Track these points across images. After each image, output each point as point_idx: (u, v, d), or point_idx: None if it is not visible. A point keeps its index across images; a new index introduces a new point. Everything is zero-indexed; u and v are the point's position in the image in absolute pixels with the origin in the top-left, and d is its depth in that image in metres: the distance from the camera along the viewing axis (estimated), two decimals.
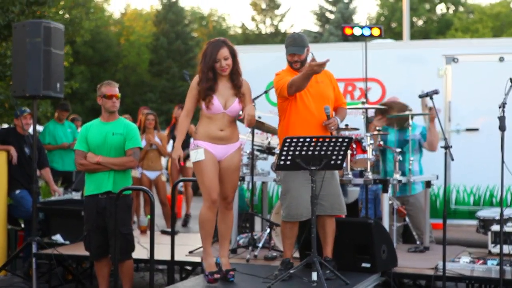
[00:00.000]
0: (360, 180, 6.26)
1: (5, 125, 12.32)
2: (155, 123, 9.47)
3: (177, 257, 6.15)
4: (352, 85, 8.94)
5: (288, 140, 4.86)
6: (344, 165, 5.87)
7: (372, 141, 6.35)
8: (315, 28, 35.02)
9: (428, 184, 6.94)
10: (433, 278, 5.58)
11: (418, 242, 6.96)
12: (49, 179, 8.18)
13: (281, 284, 4.98)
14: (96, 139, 5.91)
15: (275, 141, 6.91)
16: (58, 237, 7.34)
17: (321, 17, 34.92)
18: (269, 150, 6.93)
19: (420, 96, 6.12)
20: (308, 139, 4.87)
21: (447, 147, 5.45)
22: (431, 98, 5.83)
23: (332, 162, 5.00)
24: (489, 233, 6.53)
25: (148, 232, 6.40)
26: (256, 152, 6.87)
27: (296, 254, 5.81)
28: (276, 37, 36.02)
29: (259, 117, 6.84)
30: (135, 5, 67.53)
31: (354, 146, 6.33)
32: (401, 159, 6.71)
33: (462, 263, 5.83)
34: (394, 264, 5.76)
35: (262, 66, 8.77)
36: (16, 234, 7.82)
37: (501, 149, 5.19)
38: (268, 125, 6.90)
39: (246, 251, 6.44)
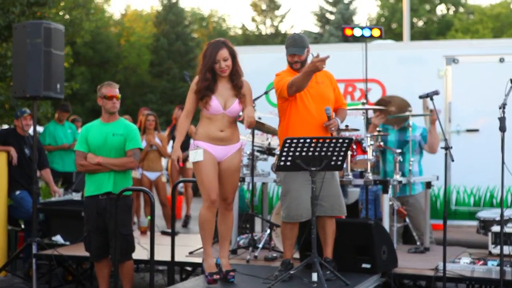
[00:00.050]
0: (360, 181, 6.25)
1: (5, 126, 12.31)
2: (155, 124, 9.48)
3: (177, 258, 6.14)
4: (352, 86, 8.95)
5: (288, 141, 4.86)
6: (344, 166, 5.87)
7: (372, 142, 6.35)
8: (316, 29, 35.03)
9: (428, 185, 6.94)
10: (434, 279, 5.57)
11: (418, 243, 6.95)
12: (49, 180, 8.18)
13: (281, 284, 4.98)
14: (96, 140, 5.91)
15: (275, 142, 6.91)
16: (58, 238, 7.34)
17: (321, 18, 34.92)
18: (269, 151, 6.93)
19: (421, 97, 6.11)
20: (308, 140, 4.87)
21: (447, 148, 5.45)
22: (432, 99, 5.83)
23: (332, 163, 5.00)
24: (490, 234, 6.53)
25: (148, 233, 6.41)
26: (256, 153, 6.87)
27: (296, 255, 5.81)
28: (276, 38, 36.02)
29: (259, 118, 6.85)
30: (136, 6, 67.52)
31: (354, 147, 6.33)
32: (401, 159, 6.71)
33: (462, 264, 5.83)
34: (394, 265, 5.76)
35: (262, 67, 8.76)
36: (16, 235, 7.83)
37: (502, 150, 5.19)
38: (268, 126, 6.90)
39: (246, 252, 6.44)
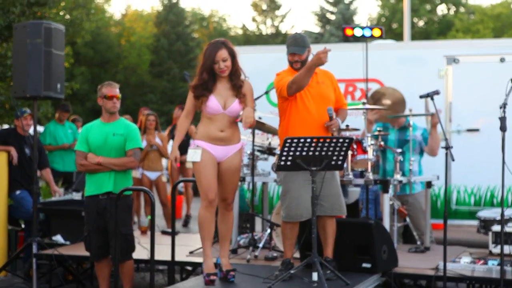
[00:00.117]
0: (360, 181, 6.25)
1: (6, 126, 12.31)
2: (155, 123, 9.48)
3: (177, 258, 6.14)
4: (353, 85, 8.95)
5: (289, 141, 4.86)
6: (345, 165, 5.87)
7: (373, 142, 6.35)
8: (316, 29, 35.01)
9: (428, 184, 6.93)
10: (434, 278, 5.57)
11: (418, 243, 6.95)
12: (50, 180, 8.19)
13: (282, 284, 4.98)
14: (96, 140, 5.91)
15: (275, 141, 6.91)
16: (58, 238, 7.34)
17: (322, 18, 34.90)
18: (269, 151, 6.93)
19: (421, 97, 6.11)
20: (308, 140, 4.87)
21: (448, 147, 5.45)
22: (432, 99, 5.82)
23: (333, 162, 5.00)
24: (490, 233, 6.53)
25: (149, 233, 6.41)
26: (256, 153, 6.87)
27: (297, 255, 5.81)
28: (276, 38, 36.00)
29: (260, 118, 6.85)
30: (136, 6, 67.49)
31: (354, 146, 6.33)
32: (401, 159, 6.70)
33: (462, 264, 5.83)
34: (395, 264, 5.76)
35: (262, 67, 8.76)
36: (16, 235, 7.83)
37: (502, 149, 5.19)
38: (269, 125, 6.90)
39: (247, 252, 6.44)
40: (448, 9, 38.12)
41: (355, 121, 7.73)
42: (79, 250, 6.58)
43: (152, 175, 9.43)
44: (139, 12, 42.62)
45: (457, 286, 6.33)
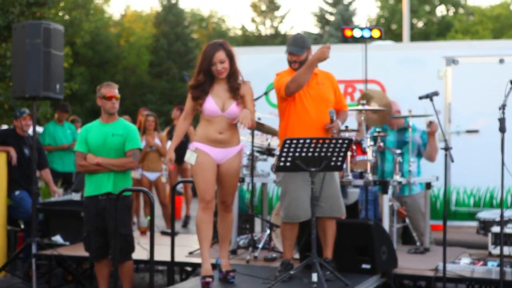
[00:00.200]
0: (360, 182, 6.25)
1: (5, 126, 12.31)
2: (155, 124, 9.48)
3: (177, 258, 6.14)
4: (352, 86, 8.95)
5: (288, 142, 4.86)
6: (344, 166, 5.87)
7: (372, 143, 6.34)
8: (315, 29, 35.02)
9: (428, 185, 6.93)
10: (433, 279, 5.58)
11: (418, 243, 6.95)
12: (49, 180, 8.18)
13: (281, 285, 4.98)
14: (96, 140, 5.91)
15: (275, 142, 6.91)
16: (58, 238, 7.34)
17: (321, 18, 34.91)
18: (269, 152, 6.93)
19: (421, 98, 6.11)
20: (308, 141, 4.86)
21: (447, 148, 5.45)
22: (431, 100, 5.83)
23: (332, 163, 4.99)
24: (489, 234, 6.53)
25: (148, 233, 6.41)
26: (256, 154, 6.87)
27: (296, 255, 5.80)
28: (276, 38, 35.99)
29: (259, 119, 6.85)
30: (135, 7, 67.40)
31: (354, 147, 6.33)
32: (400, 160, 6.70)
33: (462, 265, 5.83)
34: (394, 265, 5.76)
35: (261, 68, 8.77)
36: (15, 235, 7.83)
37: (501, 150, 5.19)
38: (268, 126, 6.90)
39: (246, 252, 6.44)
40: (447, 10, 38.13)
41: (354, 122, 7.73)
42: (79, 250, 6.58)
43: (152, 175, 9.43)
44: (138, 13, 42.60)
45: (457, 287, 6.33)
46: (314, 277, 4.84)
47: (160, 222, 9.81)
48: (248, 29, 38.00)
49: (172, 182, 10.01)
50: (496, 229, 6.47)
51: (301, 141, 4.85)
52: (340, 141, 4.93)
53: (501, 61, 8.37)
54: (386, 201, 6.26)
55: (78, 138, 6.07)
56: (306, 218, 5.22)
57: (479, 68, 8.48)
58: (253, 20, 37.53)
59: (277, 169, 5.08)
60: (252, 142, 6.68)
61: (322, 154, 4.92)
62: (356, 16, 33.99)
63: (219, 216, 5.24)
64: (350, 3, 33.49)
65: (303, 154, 4.89)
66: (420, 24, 37.29)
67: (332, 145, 4.91)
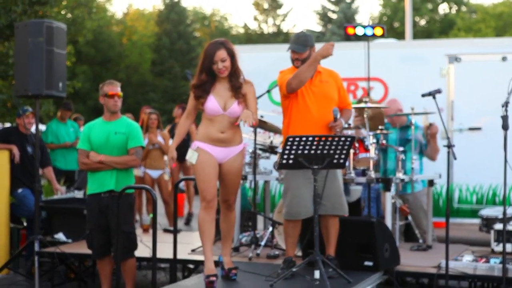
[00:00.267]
0: (362, 179, 6.25)
1: (8, 125, 12.33)
2: (157, 122, 9.50)
3: (179, 256, 6.15)
4: (355, 84, 8.95)
5: (291, 139, 4.86)
6: (347, 164, 5.87)
7: (375, 140, 6.34)
8: (318, 28, 35.02)
9: (431, 183, 6.93)
10: (436, 276, 5.57)
11: (420, 241, 6.95)
12: (52, 178, 8.20)
13: (284, 282, 4.98)
14: (98, 138, 5.91)
15: (277, 140, 6.92)
16: (60, 236, 7.35)
17: (324, 17, 34.91)
18: (271, 149, 6.94)
19: (423, 95, 6.11)
20: (310, 138, 4.86)
21: (449, 146, 5.45)
22: (434, 98, 5.82)
23: (335, 161, 4.99)
24: (492, 231, 6.52)
25: (151, 231, 6.41)
26: (258, 151, 6.87)
27: (299, 253, 5.81)
28: (278, 37, 36.00)
29: (262, 116, 6.85)
30: (138, 5, 67.58)
31: (356, 145, 6.32)
32: (403, 157, 6.70)
33: (465, 262, 5.83)
34: (397, 262, 5.76)
35: (264, 66, 8.77)
36: (18, 233, 7.83)
37: (504, 148, 5.18)
38: (271, 124, 6.90)
39: (249, 250, 6.45)
40: (450, 8, 38.10)
41: (356, 119, 7.72)
42: (81, 248, 6.58)
43: (154, 173, 9.45)
44: (140, 11, 42.67)
45: (459, 284, 6.33)
46: (317, 274, 4.84)
47: (162, 220, 9.82)
48: (251, 27, 38.06)
49: (174, 180, 10.02)
50: (498, 226, 6.46)
51: (304, 138, 4.85)
52: (343, 138, 4.93)
53: (504, 58, 8.37)
54: (388, 198, 6.25)
55: (81, 136, 6.08)
56: (307, 216, 5.22)
57: (481, 66, 8.47)
58: (255, 18, 37.56)
59: (279, 166, 5.08)
60: (255, 140, 6.68)
61: (325, 151, 4.91)
62: (358, 14, 34.06)
63: (222, 215, 5.24)
64: (352, 1, 33.49)
65: (306, 151, 4.89)
66: (422, 22, 37.27)
67: (334, 143, 4.91)
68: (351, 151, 6.14)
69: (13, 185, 7.64)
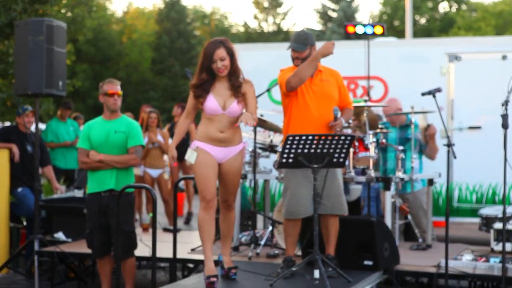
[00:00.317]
0: (362, 178, 6.25)
1: (8, 123, 12.33)
2: (157, 121, 9.49)
3: (179, 255, 6.15)
4: (355, 83, 8.95)
5: (291, 138, 4.85)
6: (347, 163, 5.87)
7: (374, 140, 6.34)
8: (318, 26, 35.00)
9: (430, 182, 6.93)
10: (436, 275, 5.57)
11: (420, 240, 6.95)
12: (52, 177, 8.19)
13: (283, 281, 4.98)
14: (98, 137, 5.91)
15: (277, 139, 6.91)
16: (60, 235, 7.35)
17: (324, 15, 34.88)
18: (271, 148, 6.93)
19: (423, 94, 6.11)
20: (310, 137, 4.85)
21: (449, 145, 5.45)
22: (434, 96, 5.82)
23: (335, 160, 4.98)
24: (492, 230, 6.52)
25: (150, 230, 6.41)
26: (258, 150, 6.87)
27: (298, 252, 5.80)
28: (278, 35, 35.97)
29: (262, 115, 6.84)
30: (137, 4, 67.54)
31: (356, 144, 6.32)
32: (403, 157, 6.70)
33: (464, 261, 5.83)
34: (397, 262, 5.76)
35: (263, 65, 8.77)
36: (18, 232, 7.83)
37: (504, 147, 5.18)
38: (270, 123, 6.90)
39: (248, 249, 6.45)
40: (450, 7, 38.08)
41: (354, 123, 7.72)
42: (81, 247, 6.58)
43: (154, 172, 9.44)
44: (140, 10, 42.66)
45: (459, 283, 6.33)
46: (316, 273, 4.83)
47: (162, 219, 9.81)
48: (251, 26, 38.06)
49: (174, 179, 10.02)
50: (498, 225, 6.46)
51: (304, 137, 4.84)
52: (343, 137, 4.92)
53: (504, 57, 8.36)
54: (388, 197, 6.25)
55: (80, 135, 6.07)
56: (306, 215, 5.22)
57: (481, 64, 8.47)
58: (255, 17, 37.53)
59: (279, 165, 5.07)
60: (255, 138, 6.68)
61: (325, 150, 4.91)
62: (358, 13, 34.06)
63: (221, 214, 5.23)
64: (352, 0, 33.46)
65: (306, 150, 4.88)
66: (422, 21, 37.26)
67: (334, 142, 4.90)
68: (351, 150, 6.14)
69: (13, 184, 7.64)
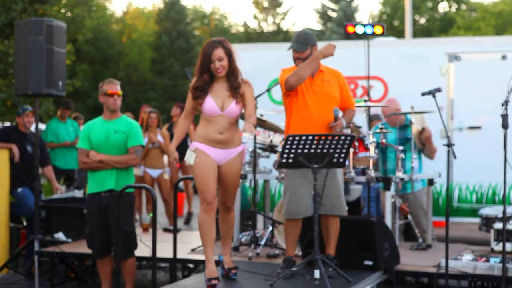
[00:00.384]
0: (362, 178, 6.25)
1: (8, 123, 12.32)
2: (157, 121, 9.49)
3: (179, 255, 6.15)
4: (355, 83, 8.95)
5: (291, 138, 4.85)
6: (347, 163, 5.86)
7: (374, 140, 6.34)
8: (317, 26, 35.01)
9: (430, 182, 6.93)
10: (436, 275, 5.58)
11: (420, 240, 6.95)
12: (52, 177, 8.19)
13: (284, 282, 4.98)
14: (98, 137, 5.91)
15: (277, 139, 6.91)
16: (60, 235, 7.35)
17: (323, 15, 34.88)
18: (271, 148, 6.93)
19: (423, 94, 6.10)
20: (310, 137, 4.85)
21: (449, 145, 5.45)
22: (434, 96, 5.82)
23: (335, 160, 4.98)
24: (492, 230, 6.52)
25: (151, 230, 6.41)
26: (258, 150, 6.87)
27: (299, 253, 5.80)
28: (278, 35, 35.96)
29: (261, 115, 6.84)
30: (137, 4, 67.55)
31: (356, 144, 6.32)
32: (403, 157, 6.70)
33: (464, 261, 5.83)
34: (397, 262, 5.76)
35: (263, 65, 8.76)
36: (18, 232, 7.83)
37: (504, 147, 5.18)
38: (270, 123, 6.90)
39: (248, 249, 6.44)
40: (450, 7, 38.08)
41: (356, 118, 7.71)
42: (81, 247, 6.58)
43: (154, 172, 9.44)
44: (140, 10, 42.64)
45: (459, 283, 6.33)
46: (317, 273, 4.84)
47: (162, 219, 9.81)
48: (250, 25, 38.04)
49: (174, 179, 10.02)
50: (498, 225, 6.47)
51: (304, 137, 4.84)
52: (343, 137, 4.92)
53: (504, 57, 8.36)
54: (388, 197, 6.25)
55: (80, 135, 6.07)
56: (306, 215, 5.21)
57: (481, 64, 8.47)
58: (255, 17, 37.52)
59: (279, 165, 5.06)
60: (255, 139, 6.68)
61: (325, 150, 4.90)
62: (358, 13, 34.08)
63: (220, 216, 5.21)
64: (352, 0, 33.46)
65: (306, 150, 4.88)
66: (422, 21, 37.25)
67: (334, 142, 4.90)
68: (351, 150, 6.14)
69: (13, 184, 7.64)
